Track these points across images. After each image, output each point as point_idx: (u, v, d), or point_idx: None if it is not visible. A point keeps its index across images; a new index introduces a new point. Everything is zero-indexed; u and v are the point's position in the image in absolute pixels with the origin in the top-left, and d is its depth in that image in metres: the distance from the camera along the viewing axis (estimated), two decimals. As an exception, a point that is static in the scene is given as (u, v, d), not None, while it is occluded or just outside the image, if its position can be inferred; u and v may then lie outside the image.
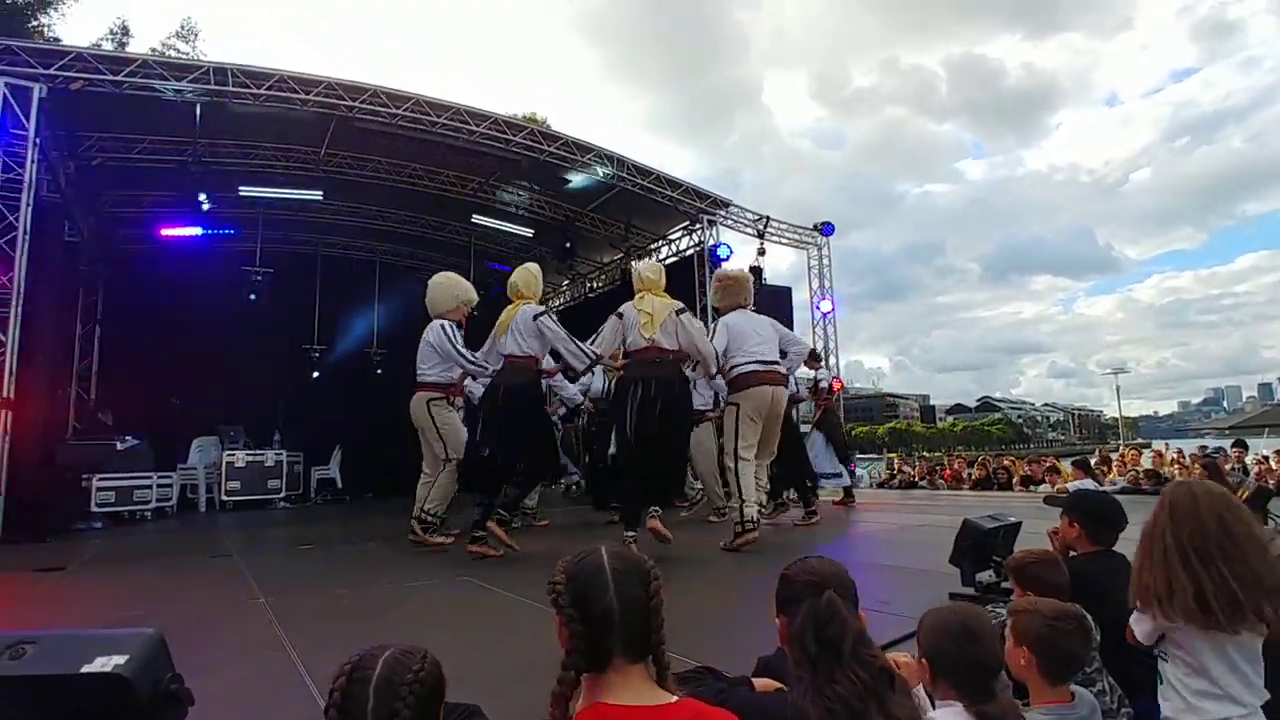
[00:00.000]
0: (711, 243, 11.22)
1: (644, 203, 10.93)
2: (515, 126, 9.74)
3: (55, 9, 15.54)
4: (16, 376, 6.40)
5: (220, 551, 5.68)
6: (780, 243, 12.23)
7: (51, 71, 6.96)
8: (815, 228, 12.45)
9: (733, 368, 5.04)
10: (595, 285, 14.01)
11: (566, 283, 14.60)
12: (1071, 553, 2.51)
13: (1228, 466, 8.64)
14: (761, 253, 11.69)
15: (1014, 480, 10.41)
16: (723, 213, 11.44)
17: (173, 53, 16.48)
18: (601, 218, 11.98)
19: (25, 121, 6.65)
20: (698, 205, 11.14)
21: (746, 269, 11.57)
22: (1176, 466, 9.83)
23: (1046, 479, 9.76)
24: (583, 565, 1.15)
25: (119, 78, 7.35)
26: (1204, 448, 11.34)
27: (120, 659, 0.85)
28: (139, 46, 16.70)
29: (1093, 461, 10.72)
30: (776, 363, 5.10)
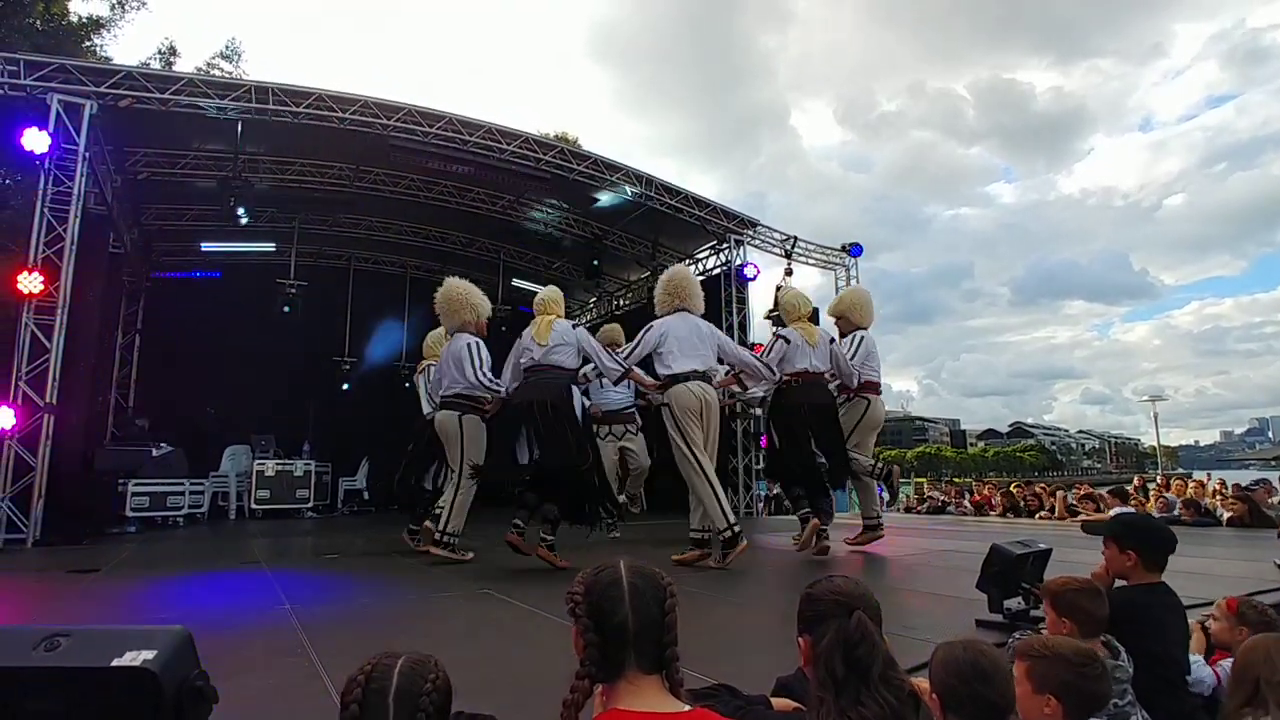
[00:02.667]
0: (738, 262, 11.22)
1: (671, 221, 10.97)
2: (546, 145, 9.87)
3: (109, 30, 16.13)
4: (59, 383, 6.59)
5: (248, 559, 5.77)
6: (808, 263, 12.18)
7: (102, 89, 7.22)
8: (843, 248, 12.36)
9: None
10: (621, 303, 14.06)
11: (593, 300, 14.67)
12: (1120, 581, 2.41)
13: (1273, 499, 8.33)
14: (789, 273, 11.64)
15: (1050, 506, 10.05)
16: (750, 232, 11.43)
17: (217, 72, 16.99)
18: (629, 236, 12.05)
19: (76, 136, 6.91)
20: (725, 225, 11.16)
21: (774, 289, 11.56)
22: (1218, 498, 9.51)
23: (1081, 508, 9.48)
24: (600, 578, 1.16)
25: (166, 95, 7.61)
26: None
27: (149, 654, 0.87)
28: (185, 66, 17.25)
29: (1129, 489, 10.42)
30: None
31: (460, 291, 5.55)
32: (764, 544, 6.57)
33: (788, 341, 5.49)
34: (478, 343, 5.40)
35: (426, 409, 6.10)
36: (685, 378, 4.94)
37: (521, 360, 5.00)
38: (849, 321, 6.18)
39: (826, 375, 5.63)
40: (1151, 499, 9.89)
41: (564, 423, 4.71)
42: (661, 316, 5.20)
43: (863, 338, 6.03)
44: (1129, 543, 2.35)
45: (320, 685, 2.26)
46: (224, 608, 3.77)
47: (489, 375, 5.24)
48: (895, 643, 1.41)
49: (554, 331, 4.94)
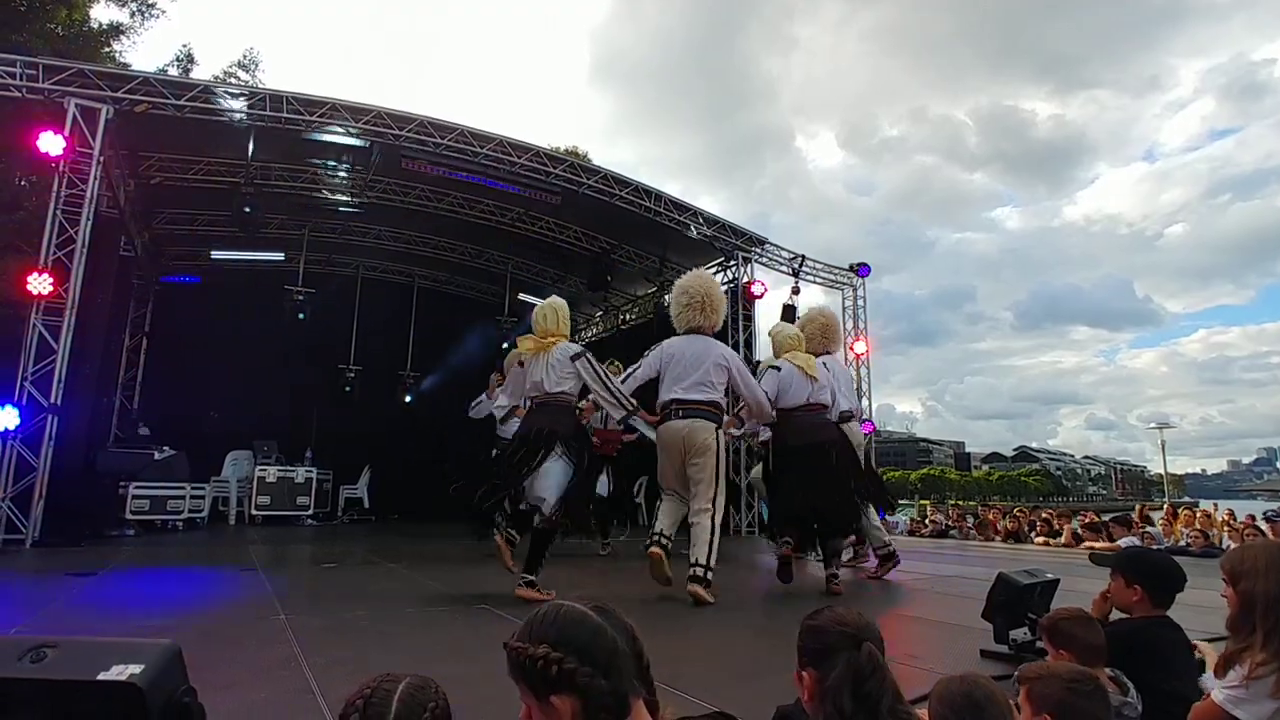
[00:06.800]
0: (746, 279, 11.22)
1: (679, 238, 10.99)
2: (556, 159, 9.92)
3: (128, 36, 16.31)
4: (65, 384, 6.60)
5: (246, 565, 5.74)
6: (815, 282, 12.18)
7: (119, 94, 7.29)
8: (851, 268, 12.36)
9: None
10: (628, 317, 14.07)
11: (600, 314, 14.68)
12: (1123, 614, 2.38)
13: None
14: (796, 291, 11.64)
15: (1056, 532, 9.87)
16: (758, 250, 11.44)
17: (234, 80, 17.17)
18: (637, 251, 12.07)
19: (91, 140, 6.97)
20: (733, 242, 11.17)
21: (781, 307, 11.55)
22: (1227, 529, 9.40)
23: (1087, 536, 9.35)
24: (564, 620, 1.01)
25: (181, 102, 7.68)
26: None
27: (136, 668, 0.85)
28: (202, 73, 17.42)
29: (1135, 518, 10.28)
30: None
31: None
32: (770, 565, 6.48)
33: (778, 370, 4.88)
34: None
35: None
36: (665, 407, 4.43)
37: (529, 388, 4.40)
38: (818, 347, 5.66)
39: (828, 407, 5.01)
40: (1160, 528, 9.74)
41: None
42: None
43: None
44: (1136, 577, 2.32)
45: (312, 702, 2.23)
46: (218, 616, 3.74)
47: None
48: (899, 673, 1.38)
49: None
